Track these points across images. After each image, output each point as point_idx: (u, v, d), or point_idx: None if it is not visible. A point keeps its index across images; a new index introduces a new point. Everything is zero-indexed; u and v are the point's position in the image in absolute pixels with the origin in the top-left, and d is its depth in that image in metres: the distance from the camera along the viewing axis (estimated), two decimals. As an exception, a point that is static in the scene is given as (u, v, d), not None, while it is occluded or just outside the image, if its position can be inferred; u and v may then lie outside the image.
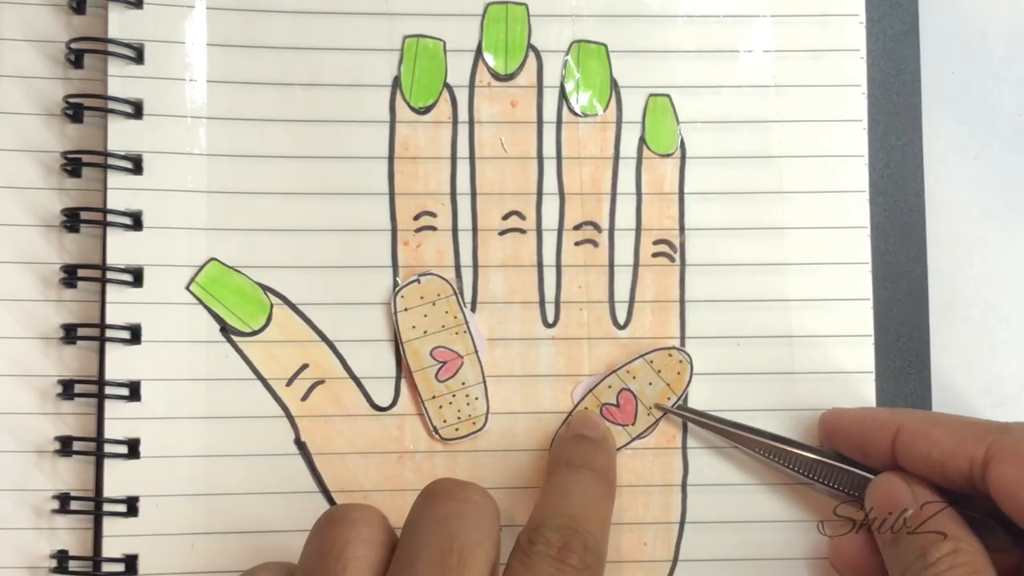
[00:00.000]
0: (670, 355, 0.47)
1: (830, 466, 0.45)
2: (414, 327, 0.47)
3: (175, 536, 0.46)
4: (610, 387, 0.47)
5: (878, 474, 0.44)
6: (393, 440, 0.47)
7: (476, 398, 0.47)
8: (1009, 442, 0.40)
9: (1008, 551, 0.42)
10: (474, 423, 0.47)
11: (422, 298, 0.47)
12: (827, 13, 0.49)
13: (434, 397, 0.47)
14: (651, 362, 0.47)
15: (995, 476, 0.40)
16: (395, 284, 0.47)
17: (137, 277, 0.46)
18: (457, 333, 0.47)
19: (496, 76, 0.48)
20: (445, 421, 0.47)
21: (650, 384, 0.47)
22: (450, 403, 0.47)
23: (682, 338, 0.48)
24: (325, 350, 0.47)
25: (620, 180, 0.48)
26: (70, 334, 0.47)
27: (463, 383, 0.47)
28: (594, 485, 0.43)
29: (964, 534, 0.40)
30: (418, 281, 0.47)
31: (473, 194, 0.48)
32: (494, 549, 0.39)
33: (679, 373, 0.47)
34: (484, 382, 0.47)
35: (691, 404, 0.48)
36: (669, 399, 0.47)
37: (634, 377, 0.47)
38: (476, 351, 0.47)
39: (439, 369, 0.47)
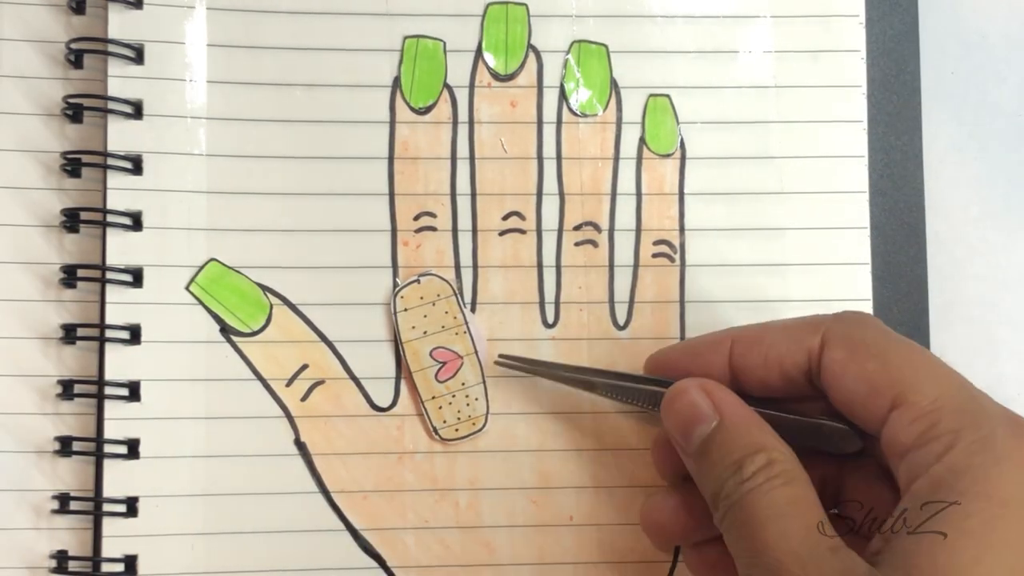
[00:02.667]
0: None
1: (637, 389, 0.44)
2: (414, 327, 0.47)
3: (175, 536, 0.46)
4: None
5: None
6: (393, 441, 0.47)
7: (476, 399, 0.47)
8: (841, 328, 0.40)
9: (855, 446, 0.41)
10: (474, 423, 0.47)
11: (422, 298, 0.47)
12: (827, 14, 0.49)
13: (434, 397, 0.47)
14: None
15: (826, 362, 0.39)
16: (395, 284, 0.47)
17: (137, 277, 0.46)
18: (457, 333, 0.47)
19: (496, 76, 0.48)
20: (445, 421, 0.47)
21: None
22: (450, 403, 0.47)
23: (682, 338, 0.48)
24: (325, 350, 0.47)
25: (620, 180, 0.48)
26: (70, 334, 0.47)
27: (463, 383, 0.47)
28: None
29: (777, 443, 0.38)
30: (418, 281, 0.47)
31: (473, 194, 0.48)
32: None
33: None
34: (484, 382, 0.47)
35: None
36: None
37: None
38: (476, 351, 0.47)
39: (439, 369, 0.47)
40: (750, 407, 0.40)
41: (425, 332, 0.47)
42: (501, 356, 0.46)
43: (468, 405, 0.47)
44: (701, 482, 0.40)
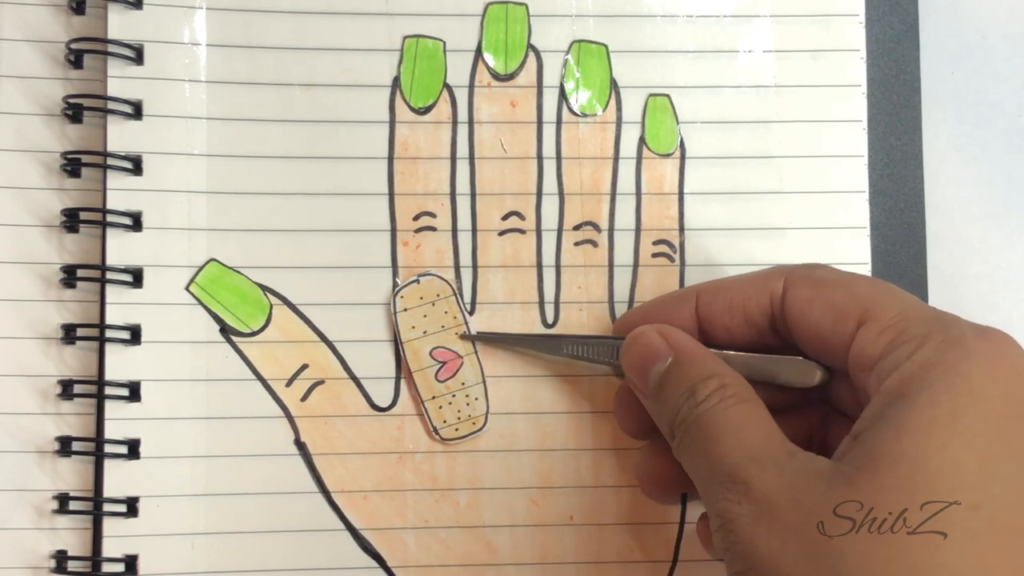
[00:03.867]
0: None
1: (601, 343, 0.45)
2: (413, 327, 0.47)
3: (175, 536, 0.46)
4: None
5: None
6: (393, 440, 0.47)
7: (476, 398, 0.47)
8: (803, 270, 0.41)
9: (815, 378, 0.42)
10: (474, 423, 0.47)
11: (421, 298, 0.47)
12: (827, 13, 0.49)
13: (434, 397, 0.47)
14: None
15: (791, 300, 0.41)
16: (395, 284, 0.47)
17: (137, 277, 0.46)
18: (457, 333, 0.47)
19: (496, 76, 0.48)
20: (445, 421, 0.47)
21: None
22: (450, 403, 0.47)
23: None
24: (325, 350, 0.47)
25: (620, 180, 0.48)
26: (70, 334, 0.47)
27: (463, 383, 0.47)
28: None
29: (728, 370, 0.40)
30: (417, 281, 0.47)
31: (473, 194, 0.48)
32: None
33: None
34: (484, 382, 0.47)
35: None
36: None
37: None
38: (476, 351, 0.47)
39: (439, 369, 0.47)
40: (701, 344, 0.42)
41: (425, 332, 0.47)
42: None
43: (468, 405, 0.47)
44: (659, 419, 0.41)
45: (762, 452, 0.37)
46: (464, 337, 0.47)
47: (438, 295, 0.47)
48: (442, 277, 0.47)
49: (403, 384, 0.47)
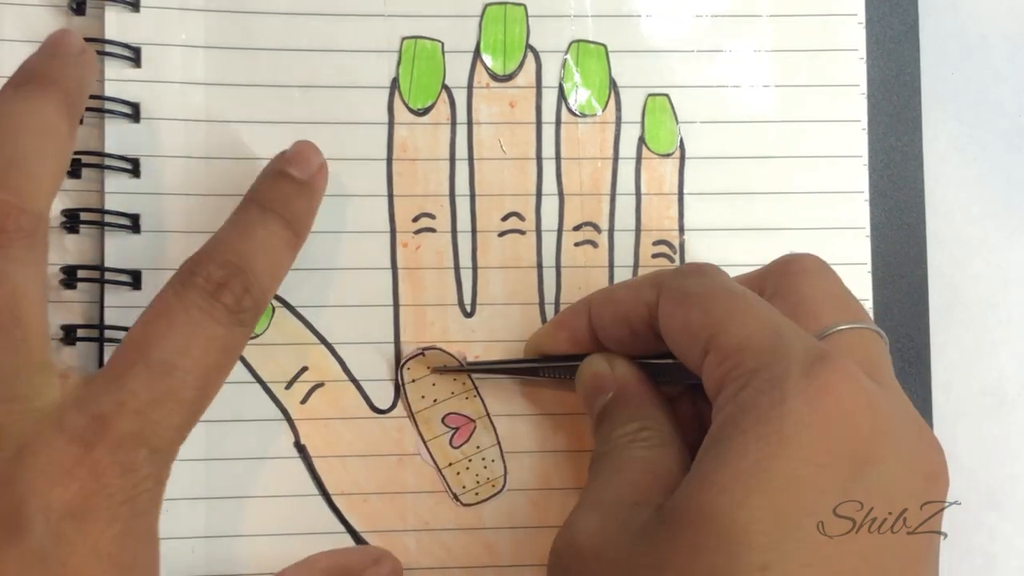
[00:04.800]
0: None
1: (557, 366, 0.45)
2: (423, 397, 0.47)
3: (175, 539, 0.46)
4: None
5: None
6: (393, 442, 0.47)
7: (492, 460, 0.47)
8: (675, 281, 0.40)
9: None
10: (493, 485, 0.47)
11: (428, 368, 0.47)
12: (826, 13, 0.49)
13: (451, 464, 0.47)
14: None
15: (660, 315, 0.40)
16: (394, 294, 0.47)
17: (136, 279, 0.46)
18: (467, 398, 0.47)
19: (495, 77, 0.48)
20: (464, 487, 0.47)
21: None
22: (467, 468, 0.47)
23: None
24: (324, 353, 0.47)
25: (619, 180, 0.48)
26: (70, 335, 0.46)
27: (478, 447, 0.47)
28: (280, 233, 0.42)
29: (656, 414, 0.41)
30: (422, 354, 0.46)
31: (472, 195, 0.48)
32: (44, 273, 0.39)
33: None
34: (499, 443, 0.47)
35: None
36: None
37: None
38: (488, 413, 0.47)
39: (453, 435, 0.47)
40: (645, 381, 0.42)
41: (435, 400, 0.47)
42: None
43: (486, 468, 0.47)
44: (596, 444, 0.42)
45: (610, 499, 0.38)
46: (460, 369, 0.47)
47: (444, 366, 0.47)
48: (447, 352, 0.47)
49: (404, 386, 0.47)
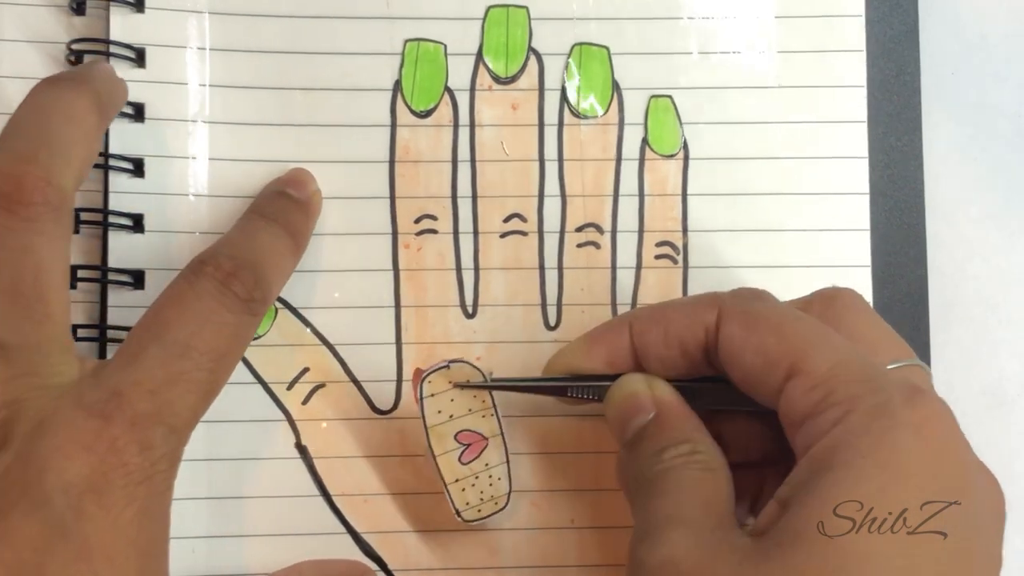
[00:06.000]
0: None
1: (590, 385, 0.43)
2: (440, 412, 0.44)
3: (175, 540, 0.46)
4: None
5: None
6: (394, 443, 0.47)
7: (499, 478, 0.45)
8: (737, 303, 0.40)
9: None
10: (496, 503, 0.45)
11: (450, 383, 0.44)
12: (828, 14, 0.49)
13: (457, 480, 0.45)
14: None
15: (723, 337, 0.39)
16: (396, 295, 0.47)
17: (138, 280, 0.46)
18: (484, 416, 0.45)
19: (497, 79, 0.48)
20: (468, 504, 0.45)
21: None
22: (473, 485, 0.45)
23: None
24: (326, 354, 0.47)
25: (622, 181, 0.48)
26: (71, 335, 0.46)
27: (486, 464, 0.45)
28: (283, 239, 0.44)
29: (704, 438, 0.39)
30: (447, 367, 0.44)
31: (474, 197, 0.48)
32: (68, 249, 0.40)
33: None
34: (508, 462, 0.45)
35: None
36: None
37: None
38: (502, 432, 0.45)
39: (463, 452, 0.45)
40: (684, 402, 0.41)
41: (451, 416, 0.44)
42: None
43: (491, 485, 0.45)
44: (625, 467, 0.41)
45: (692, 517, 0.36)
46: (483, 386, 0.44)
47: (468, 381, 0.45)
48: (473, 365, 0.44)
49: (404, 387, 0.47)
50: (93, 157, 0.41)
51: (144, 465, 0.37)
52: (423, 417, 0.44)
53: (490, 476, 0.45)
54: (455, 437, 0.45)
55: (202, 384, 0.38)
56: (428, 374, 0.44)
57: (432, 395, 0.44)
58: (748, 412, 0.41)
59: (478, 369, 0.44)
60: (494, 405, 0.45)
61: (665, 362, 0.42)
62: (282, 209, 0.45)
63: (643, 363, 0.42)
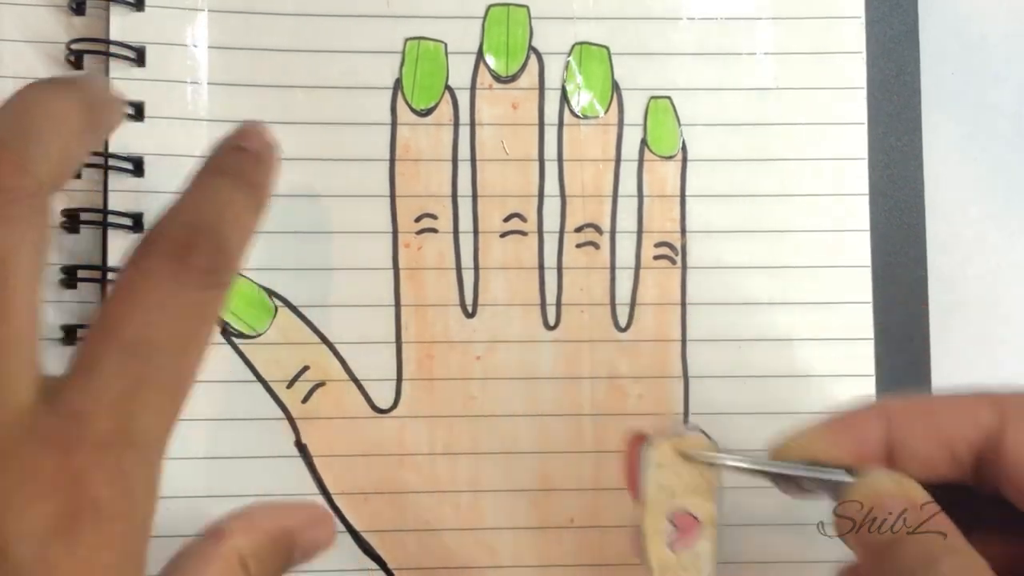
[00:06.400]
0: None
1: (831, 480, 0.36)
2: (662, 486, 0.38)
3: (175, 539, 0.46)
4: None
5: (856, 475, 0.36)
6: (394, 442, 0.47)
7: (707, 574, 0.39)
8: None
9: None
10: None
11: (678, 452, 0.38)
12: (828, 15, 0.49)
13: (662, 570, 0.38)
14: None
15: (1011, 444, 0.34)
16: (396, 294, 0.47)
17: (138, 279, 0.46)
18: (706, 499, 0.38)
19: (497, 78, 0.48)
20: None
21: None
22: None
23: (683, 340, 0.48)
24: (326, 352, 0.47)
25: (621, 182, 0.48)
26: (70, 335, 0.46)
27: (696, 554, 0.38)
28: (241, 193, 0.37)
29: (962, 544, 0.33)
30: (681, 435, 0.38)
31: (474, 196, 0.48)
32: (41, 246, 0.32)
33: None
34: (714, 552, 0.39)
35: (691, 408, 0.48)
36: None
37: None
38: (718, 519, 0.39)
39: (675, 536, 0.38)
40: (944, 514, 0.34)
41: (673, 493, 0.38)
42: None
43: None
44: (880, 566, 0.34)
45: None
46: (716, 463, 0.38)
47: (701, 452, 0.39)
48: (707, 435, 0.39)
49: (404, 386, 0.47)
50: (75, 158, 0.35)
51: (116, 497, 0.31)
52: (643, 489, 0.38)
53: (699, 570, 0.38)
54: (670, 518, 0.38)
55: (168, 386, 0.33)
56: (655, 439, 0.38)
57: (660, 465, 0.38)
58: (1011, 534, 0.36)
59: (713, 441, 0.39)
60: (720, 486, 0.39)
61: (925, 463, 0.36)
62: (237, 163, 0.38)
63: (896, 461, 0.36)
